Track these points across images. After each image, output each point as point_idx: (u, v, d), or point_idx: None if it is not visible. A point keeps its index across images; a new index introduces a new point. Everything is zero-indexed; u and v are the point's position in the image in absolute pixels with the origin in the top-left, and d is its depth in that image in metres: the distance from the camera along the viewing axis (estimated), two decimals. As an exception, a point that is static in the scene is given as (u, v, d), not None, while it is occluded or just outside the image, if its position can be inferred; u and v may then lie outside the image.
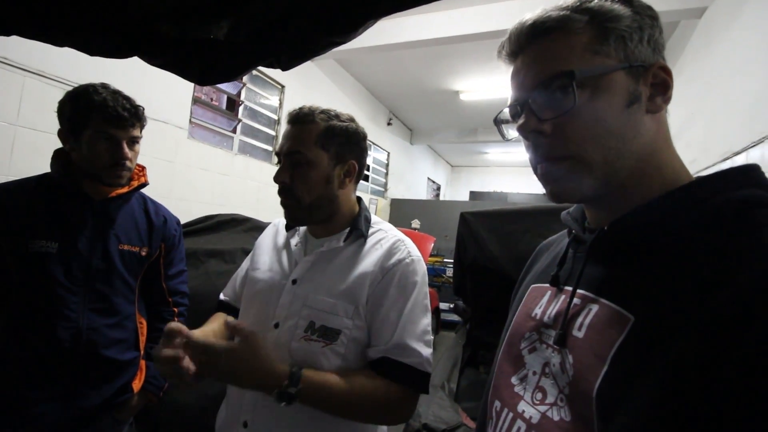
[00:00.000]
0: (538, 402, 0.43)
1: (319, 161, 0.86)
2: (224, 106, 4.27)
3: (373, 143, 7.22)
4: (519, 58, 0.46)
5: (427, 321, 0.86)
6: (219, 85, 4.06)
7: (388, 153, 7.89)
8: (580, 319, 0.42)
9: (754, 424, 0.27)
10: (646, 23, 0.43)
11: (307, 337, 0.82)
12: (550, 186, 0.45)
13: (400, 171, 8.47)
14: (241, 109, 4.27)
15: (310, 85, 5.15)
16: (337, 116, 0.90)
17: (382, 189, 7.91)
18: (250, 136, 4.38)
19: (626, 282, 0.40)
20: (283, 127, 3.54)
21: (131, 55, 0.76)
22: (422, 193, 9.99)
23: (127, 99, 1.08)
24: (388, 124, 7.55)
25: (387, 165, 7.96)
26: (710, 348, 0.30)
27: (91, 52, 0.77)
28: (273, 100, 4.75)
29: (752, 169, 0.40)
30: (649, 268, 0.39)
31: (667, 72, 0.43)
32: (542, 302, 0.51)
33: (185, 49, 0.73)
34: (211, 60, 0.72)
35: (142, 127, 1.13)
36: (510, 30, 0.46)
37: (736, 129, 2.54)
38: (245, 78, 4.30)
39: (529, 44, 0.44)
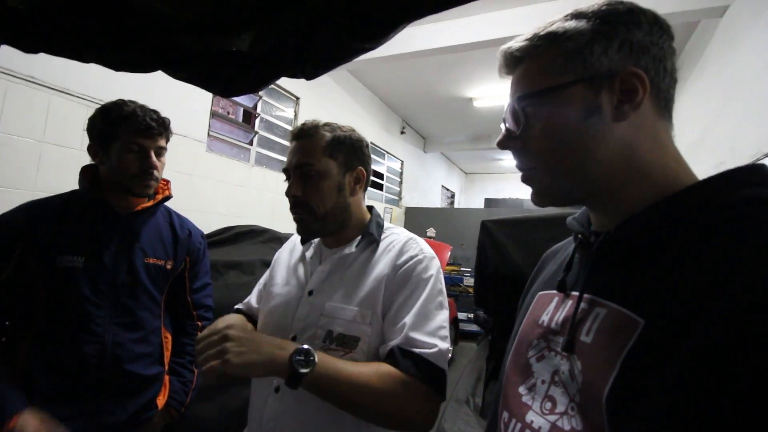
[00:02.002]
0: (547, 411, 0.42)
1: (329, 170, 0.87)
2: (241, 119, 4.33)
3: (387, 152, 7.23)
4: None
5: (442, 317, 0.82)
6: (235, 98, 4.13)
7: (402, 161, 7.88)
8: (587, 324, 0.42)
9: None
10: (618, 30, 0.43)
11: (325, 346, 0.80)
12: (531, 191, 0.50)
13: (414, 179, 8.45)
14: (257, 121, 4.32)
15: (324, 96, 5.21)
16: (340, 128, 0.92)
17: (397, 198, 7.89)
18: (266, 147, 4.44)
19: (634, 285, 0.39)
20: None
21: (156, 69, 0.76)
22: (437, 201, 9.93)
23: (154, 111, 1.11)
24: (402, 132, 7.56)
25: (401, 174, 7.96)
26: (724, 350, 0.29)
27: (117, 67, 0.77)
28: (288, 111, 4.81)
29: (759, 168, 0.39)
30: (657, 270, 0.38)
31: (639, 78, 0.42)
32: (549, 309, 0.50)
33: (208, 62, 0.72)
34: (234, 72, 0.71)
35: (167, 138, 1.14)
36: (498, 56, 0.51)
37: (767, 129, 2.44)
38: (261, 91, 4.37)
39: (513, 69, 0.50)
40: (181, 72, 0.77)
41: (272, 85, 4.45)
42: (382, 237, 0.92)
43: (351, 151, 0.90)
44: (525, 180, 0.50)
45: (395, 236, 0.93)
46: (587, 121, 0.43)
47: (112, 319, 1.03)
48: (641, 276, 0.39)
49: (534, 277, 0.63)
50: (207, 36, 0.68)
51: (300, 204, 0.86)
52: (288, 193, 0.87)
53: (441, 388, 0.77)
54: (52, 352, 0.98)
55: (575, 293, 0.46)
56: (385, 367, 0.74)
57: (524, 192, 11.37)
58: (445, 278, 5.82)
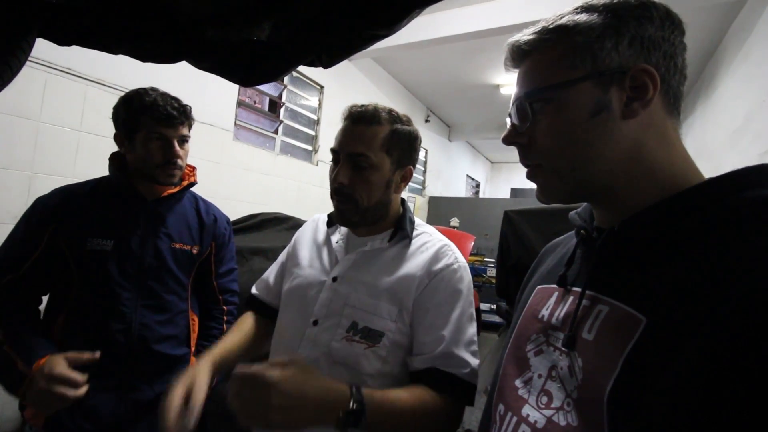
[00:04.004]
0: (543, 406, 0.42)
1: (382, 165, 0.84)
2: (266, 108, 4.40)
3: (411, 141, 7.17)
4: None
5: (473, 330, 0.82)
6: (261, 88, 4.19)
7: (426, 150, 7.81)
8: (589, 321, 0.41)
9: None
10: (629, 25, 0.41)
11: (348, 337, 0.80)
12: (536, 188, 0.50)
13: (438, 168, 8.37)
14: (282, 110, 4.37)
15: (348, 85, 5.20)
16: (399, 118, 0.88)
17: (420, 187, 7.85)
18: (291, 136, 4.49)
19: (637, 283, 0.39)
20: (323, 127, 3.60)
21: (180, 60, 0.78)
22: (461, 191, 9.81)
23: (175, 99, 1.13)
24: (426, 121, 7.47)
25: (425, 162, 7.89)
26: (728, 351, 0.29)
27: (144, 58, 0.80)
28: (312, 100, 4.83)
29: (764, 168, 0.39)
30: (661, 268, 0.38)
31: (650, 75, 0.41)
32: (549, 303, 0.50)
33: (230, 52, 0.74)
34: (253, 61, 0.72)
35: (190, 125, 1.17)
36: (505, 49, 0.50)
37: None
38: (286, 80, 4.41)
39: (520, 63, 0.49)
40: (204, 62, 0.79)
41: (296, 74, 4.48)
42: (414, 234, 0.91)
43: (406, 149, 0.88)
44: (530, 176, 0.50)
45: (428, 237, 0.92)
46: (595, 118, 0.42)
47: (139, 301, 1.09)
48: (644, 274, 0.39)
49: (533, 270, 0.63)
50: (228, 27, 0.70)
51: (345, 193, 0.84)
52: (335, 179, 0.84)
53: (472, 400, 0.79)
54: (84, 328, 1.05)
55: (576, 289, 0.46)
56: (426, 396, 0.74)
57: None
58: (469, 269, 5.74)
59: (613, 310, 0.39)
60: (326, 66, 0.69)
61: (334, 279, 0.87)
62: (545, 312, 0.49)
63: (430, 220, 7.50)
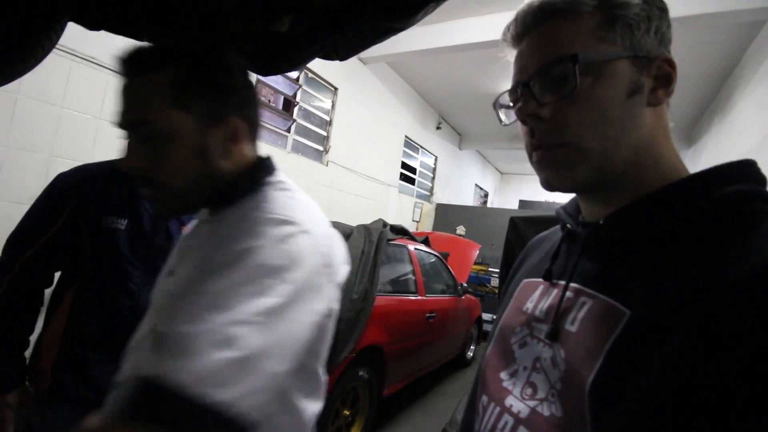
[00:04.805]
0: (527, 397, 0.42)
1: (179, 129, 0.58)
2: (281, 107, 4.46)
3: (421, 147, 7.20)
4: (524, 41, 0.45)
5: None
6: (276, 86, 4.25)
7: (436, 157, 7.83)
8: (573, 313, 0.41)
9: (755, 423, 0.26)
10: (655, 14, 0.41)
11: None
12: (544, 173, 0.44)
13: (447, 176, 8.38)
14: (296, 109, 4.43)
15: (362, 88, 5.25)
16: (192, 51, 0.62)
17: (428, 193, 7.86)
18: (303, 136, 4.54)
19: (622, 276, 0.39)
20: (335, 128, 3.64)
21: (201, 47, 0.81)
22: (469, 200, 9.80)
23: None
24: (438, 128, 7.50)
25: (434, 169, 7.91)
26: (710, 344, 0.29)
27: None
28: (326, 102, 4.89)
29: (749, 164, 0.39)
30: (646, 261, 0.38)
31: (672, 65, 0.41)
32: (534, 296, 0.49)
33: (250, 42, 0.77)
34: (272, 52, 0.75)
35: None
36: (516, 12, 0.45)
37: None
38: (301, 80, 4.47)
39: (535, 26, 0.43)
40: (225, 51, 0.82)
41: (312, 75, 4.54)
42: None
43: (217, 90, 0.61)
44: (542, 159, 0.43)
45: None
46: (630, 99, 0.40)
47: (147, 281, 1.12)
48: (629, 267, 0.39)
49: (519, 265, 0.62)
50: (251, 18, 0.73)
51: (145, 177, 0.60)
52: (124, 163, 0.60)
53: None
54: (93, 303, 1.08)
55: (561, 282, 0.45)
56: None
57: (562, 196, 10.89)
58: (472, 278, 5.78)
59: (596, 302, 0.40)
60: (342, 58, 0.71)
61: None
62: (530, 305, 0.49)
63: (437, 227, 7.49)
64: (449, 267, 3.82)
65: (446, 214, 7.70)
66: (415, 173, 7.29)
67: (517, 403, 0.43)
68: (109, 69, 2.43)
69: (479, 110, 6.90)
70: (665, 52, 0.42)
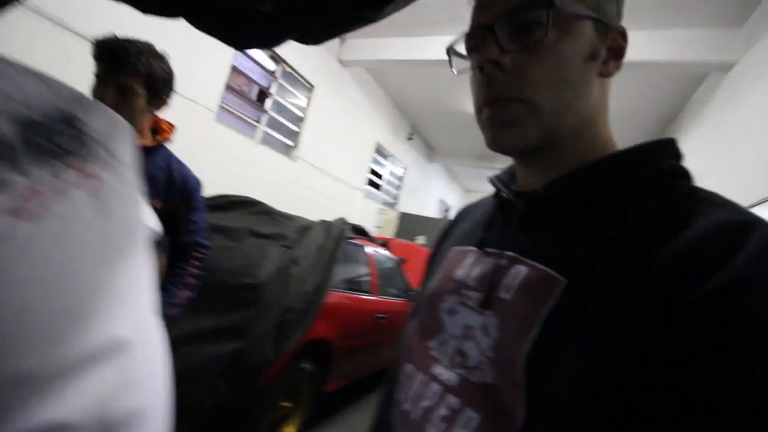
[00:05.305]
0: (456, 365, 0.40)
1: None
2: (255, 97, 4.41)
3: (391, 155, 7.32)
4: None
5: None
6: (252, 76, 4.22)
7: (405, 167, 7.97)
8: (507, 281, 0.40)
9: (689, 395, 0.27)
10: None
11: None
12: (493, 130, 0.41)
13: (414, 186, 8.55)
14: (269, 101, 4.40)
15: (339, 89, 5.30)
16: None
17: (393, 201, 7.97)
18: (274, 129, 4.51)
19: (559, 245, 0.39)
20: (308, 125, 3.65)
21: (179, 17, 0.83)
22: (432, 211, 10.03)
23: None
24: (409, 138, 7.66)
25: (402, 178, 8.04)
26: (648, 314, 0.30)
27: (146, 10, 0.85)
28: (301, 99, 4.89)
29: (671, 142, 0.41)
30: (583, 232, 0.38)
31: (624, 38, 0.41)
32: (464, 264, 0.47)
33: (230, 17, 0.80)
34: (251, 28, 0.79)
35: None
36: None
37: (752, 182, 2.55)
38: (278, 73, 4.45)
39: None
40: (204, 23, 0.84)
41: (290, 70, 4.54)
42: None
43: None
44: (494, 115, 0.40)
45: None
46: (587, 63, 0.39)
47: None
48: (567, 237, 0.39)
49: (446, 233, 0.59)
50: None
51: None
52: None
53: None
54: None
55: (494, 251, 0.44)
56: None
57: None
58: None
59: (532, 270, 0.38)
60: (315, 42, 0.75)
61: None
62: (460, 272, 0.47)
63: (399, 235, 7.61)
64: (405, 273, 3.91)
65: (409, 223, 7.84)
66: (381, 179, 7.39)
67: (445, 372, 0.41)
68: (81, 36, 2.34)
69: (452, 126, 7.12)
70: (619, 24, 0.41)
